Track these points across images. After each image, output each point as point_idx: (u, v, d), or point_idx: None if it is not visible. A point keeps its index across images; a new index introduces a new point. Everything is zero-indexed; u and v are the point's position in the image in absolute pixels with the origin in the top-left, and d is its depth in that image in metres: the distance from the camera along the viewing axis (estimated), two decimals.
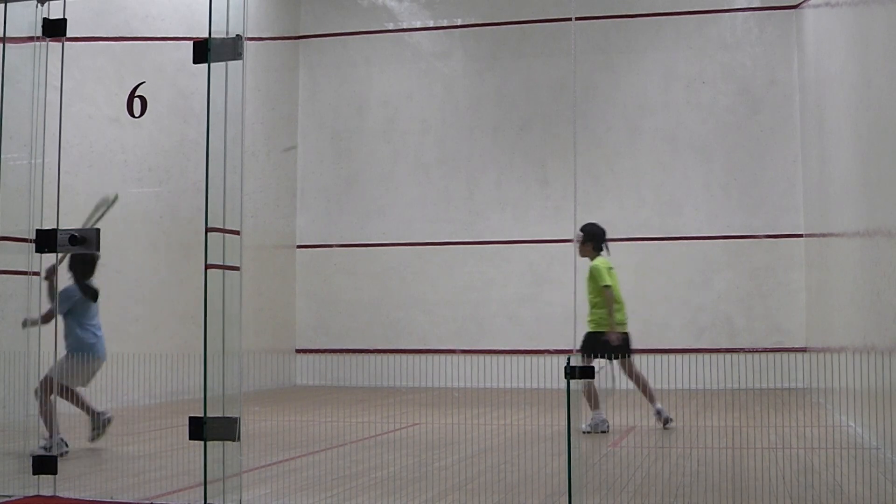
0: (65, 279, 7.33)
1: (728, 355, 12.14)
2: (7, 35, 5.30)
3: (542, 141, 14.92)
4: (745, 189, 14.33)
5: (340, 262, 15.37)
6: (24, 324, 5.44)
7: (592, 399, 8.71)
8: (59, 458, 5.58)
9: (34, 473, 5.30)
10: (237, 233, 5.05)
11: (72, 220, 5.44)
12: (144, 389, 11.00)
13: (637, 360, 12.48)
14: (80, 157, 10.72)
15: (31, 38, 5.37)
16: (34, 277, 5.34)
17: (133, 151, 11.65)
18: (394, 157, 15.44)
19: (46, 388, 6.55)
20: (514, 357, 14.39)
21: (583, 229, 9.14)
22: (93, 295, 7.56)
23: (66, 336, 7.36)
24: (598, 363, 8.78)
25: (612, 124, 14.76)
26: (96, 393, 10.24)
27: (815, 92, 12.02)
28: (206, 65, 4.94)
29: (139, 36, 11.84)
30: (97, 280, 7.66)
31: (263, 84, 14.81)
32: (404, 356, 14.66)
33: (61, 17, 5.40)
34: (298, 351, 15.24)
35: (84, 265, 7.48)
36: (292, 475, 6.21)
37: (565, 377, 4.68)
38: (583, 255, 9.08)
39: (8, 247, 5.31)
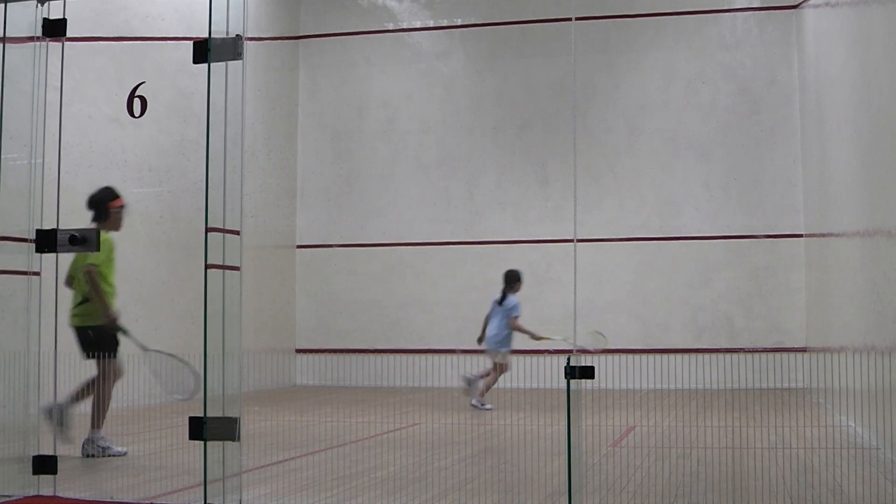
0: None
1: (728, 355, 12.17)
2: (7, 35, 5.29)
3: (542, 141, 14.93)
4: (745, 189, 14.33)
5: (340, 262, 15.37)
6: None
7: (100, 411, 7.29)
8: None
9: (34, 473, 5.30)
10: (237, 233, 5.05)
11: (72, 221, 5.44)
12: (144, 389, 10.99)
13: (637, 360, 12.54)
14: (80, 157, 10.72)
15: (31, 38, 5.37)
16: (34, 277, 5.34)
17: (133, 151, 11.64)
18: (394, 157, 15.44)
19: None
20: (514, 357, 14.39)
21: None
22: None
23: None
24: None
25: (612, 124, 14.77)
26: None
27: (815, 92, 12.02)
28: (206, 65, 4.94)
29: (139, 36, 11.84)
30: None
31: (263, 84, 14.81)
32: (404, 356, 14.66)
33: (61, 17, 5.40)
34: (298, 351, 15.24)
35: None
36: (292, 475, 6.21)
37: (565, 377, 4.68)
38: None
39: (8, 247, 5.30)
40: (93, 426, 7.22)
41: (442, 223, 15.16)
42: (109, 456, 7.09)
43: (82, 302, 7.40)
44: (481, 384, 10.93)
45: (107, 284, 7.39)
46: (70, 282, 7.52)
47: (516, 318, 11.13)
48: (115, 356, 7.38)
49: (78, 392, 7.23)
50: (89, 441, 7.15)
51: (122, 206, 7.60)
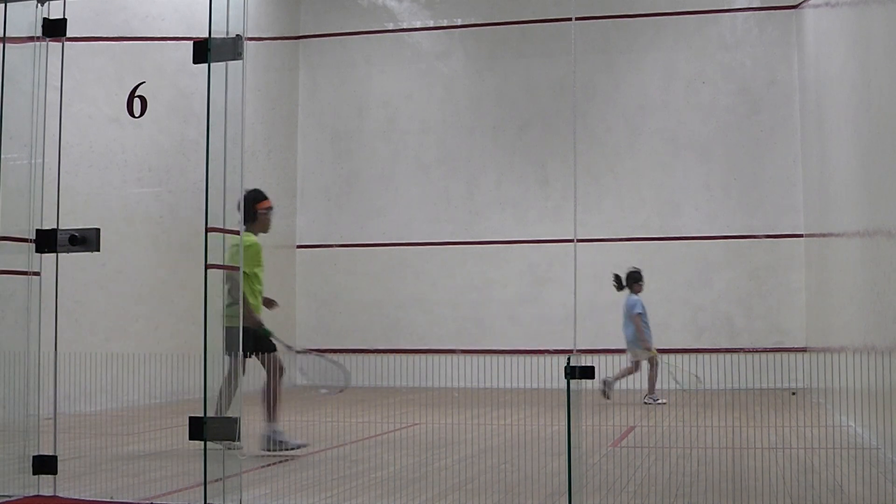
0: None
1: (728, 355, 12.17)
2: (7, 35, 5.29)
3: (542, 141, 14.92)
4: (745, 189, 14.33)
5: (340, 262, 15.37)
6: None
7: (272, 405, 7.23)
8: None
9: (34, 473, 5.30)
10: (237, 233, 5.05)
11: (72, 220, 5.43)
12: (144, 389, 11.00)
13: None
14: (80, 157, 10.72)
15: (31, 38, 5.36)
16: (34, 277, 5.33)
17: (133, 151, 11.64)
18: (394, 157, 15.44)
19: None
20: (514, 357, 14.38)
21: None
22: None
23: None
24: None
25: (612, 124, 14.77)
26: (97, 393, 10.27)
27: (815, 92, 12.01)
28: (206, 65, 4.94)
29: (139, 36, 11.84)
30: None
31: (263, 84, 14.80)
32: (404, 356, 14.66)
33: (61, 17, 5.40)
34: (298, 351, 15.22)
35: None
36: (292, 475, 6.21)
37: (565, 377, 4.68)
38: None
39: (8, 247, 5.30)
40: (268, 420, 7.15)
41: (442, 223, 15.16)
42: (287, 450, 7.03)
43: (232, 304, 7.33)
44: (615, 377, 11.53)
45: (259, 284, 7.42)
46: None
47: (638, 314, 11.65)
48: (274, 351, 7.40)
49: (220, 402, 7.24)
50: (268, 437, 7.11)
51: (269, 208, 7.61)
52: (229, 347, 7.19)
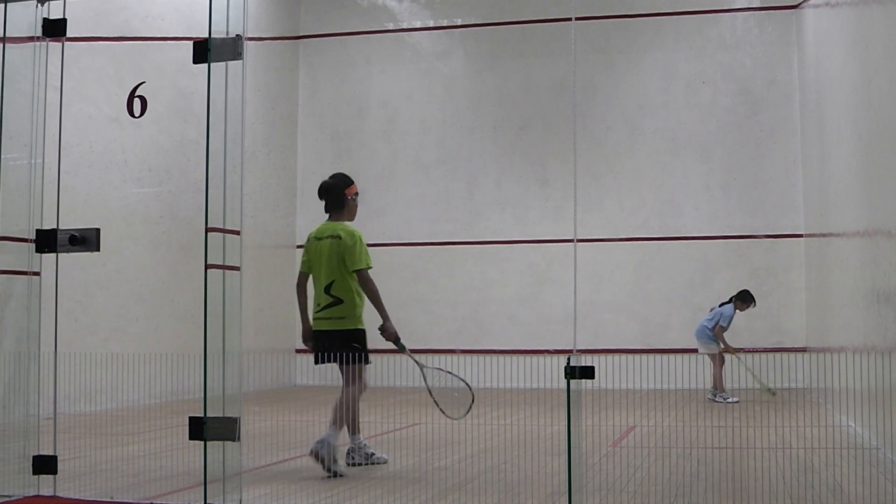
0: None
1: (728, 355, 12.17)
2: (7, 35, 5.29)
3: (542, 141, 14.92)
4: (745, 189, 14.33)
5: None
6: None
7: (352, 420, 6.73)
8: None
9: (34, 473, 5.30)
10: (237, 233, 5.05)
11: (72, 221, 5.43)
12: (144, 389, 11.00)
13: (637, 359, 12.52)
14: (80, 157, 10.72)
15: (31, 38, 5.37)
16: (34, 277, 5.34)
17: (133, 151, 11.65)
18: (394, 157, 15.43)
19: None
20: (514, 357, 14.38)
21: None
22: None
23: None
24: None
25: (612, 124, 14.76)
26: (97, 393, 10.27)
27: (815, 92, 12.01)
28: (206, 65, 4.94)
29: (139, 36, 11.84)
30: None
31: (263, 84, 14.80)
32: (404, 356, 14.63)
33: (61, 17, 5.40)
34: (298, 351, 15.23)
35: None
36: (292, 475, 6.21)
37: (565, 377, 4.68)
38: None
39: (8, 247, 5.30)
40: (352, 433, 6.69)
41: (442, 223, 15.16)
42: (374, 464, 6.61)
43: (336, 303, 6.79)
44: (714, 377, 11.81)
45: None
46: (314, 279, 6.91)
47: (723, 328, 11.80)
48: (367, 358, 6.87)
49: (336, 417, 6.56)
50: (354, 449, 6.64)
51: (357, 193, 6.85)
52: (325, 350, 6.61)
